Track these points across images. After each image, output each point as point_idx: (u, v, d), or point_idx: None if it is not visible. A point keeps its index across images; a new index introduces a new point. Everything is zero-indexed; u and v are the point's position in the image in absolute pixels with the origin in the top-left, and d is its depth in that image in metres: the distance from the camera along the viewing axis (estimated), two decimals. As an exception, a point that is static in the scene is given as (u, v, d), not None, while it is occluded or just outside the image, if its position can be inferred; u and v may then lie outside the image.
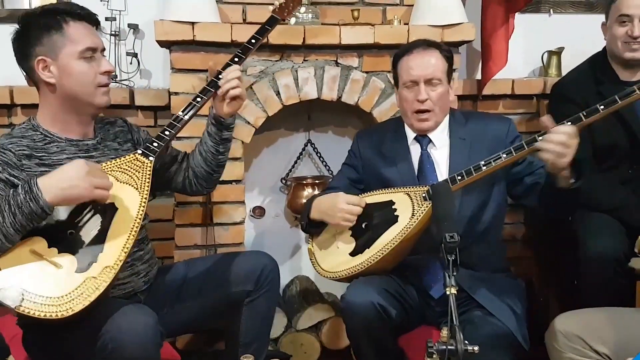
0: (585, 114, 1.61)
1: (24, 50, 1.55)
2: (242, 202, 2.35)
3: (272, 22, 1.81)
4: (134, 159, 1.56)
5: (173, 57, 2.19)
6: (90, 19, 1.58)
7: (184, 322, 1.76)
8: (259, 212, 2.58)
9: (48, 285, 1.34)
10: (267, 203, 2.63)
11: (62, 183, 1.36)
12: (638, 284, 1.78)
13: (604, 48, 2.16)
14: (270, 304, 1.80)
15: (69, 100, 1.56)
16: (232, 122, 1.72)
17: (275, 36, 2.18)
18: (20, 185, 1.38)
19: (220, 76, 1.66)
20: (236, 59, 1.69)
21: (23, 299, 1.31)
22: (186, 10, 2.14)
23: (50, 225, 1.41)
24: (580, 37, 2.55)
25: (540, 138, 1.58)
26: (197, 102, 1.64)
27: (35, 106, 2.23)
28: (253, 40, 1.74)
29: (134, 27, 2.37)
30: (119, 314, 1.38)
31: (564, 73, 2.55)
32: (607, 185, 2.00)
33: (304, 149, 2.60)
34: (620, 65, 2.09)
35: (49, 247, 1.40)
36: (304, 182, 2.49)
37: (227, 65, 1.68)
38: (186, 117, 1.63)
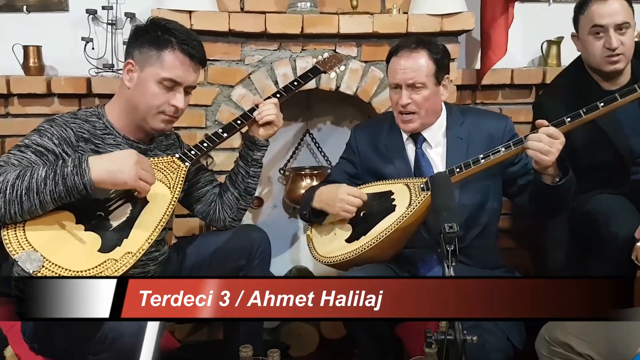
0: (584, 110, 1.61)
1: (129, 45, 1.63)
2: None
3: (314, 72, 1.96)
4: (170, 161, 1.64)
5: (170, 47, 2.17)
6: (193, 57, 1.60)
7: None
8: (257, 202, 2.58)
9: (69, 257, 1.37)
10: (265, 194, 2.62)
11: (111, 165, 1.42)
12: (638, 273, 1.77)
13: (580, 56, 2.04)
14: (264, 274, 1.82)
15: (132, 108, 1.61)
16: (265, 144, 1.81)
17: (273, 25, 2.17)
18: (70, 158, 1.43)
19: (255, 109, 1.79)
20: (278, 95, 1.83)
21: (42, 266, 1.33)
22: (183, -1, 2.13)
23: (82, 203, 1.44)
24: (580, 27, 2.53)
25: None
26: (237, 124, 1.76)
27: (30, 96, 2.28)
28: (295, 83, 1.89)
29: (130, 16, 2.36)
30: None
31: (563, 63, 2.54)
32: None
33: (302, 140, 2.59)
34: (600, 77, 1.97)
35: (77, 223, 1.44)
36: (302, 172, 2.49)
37: (269, 98, 1.82)
38: (224, 134, 1.74)
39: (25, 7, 2.36)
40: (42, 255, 1.34)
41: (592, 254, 1.88)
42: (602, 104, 1.62)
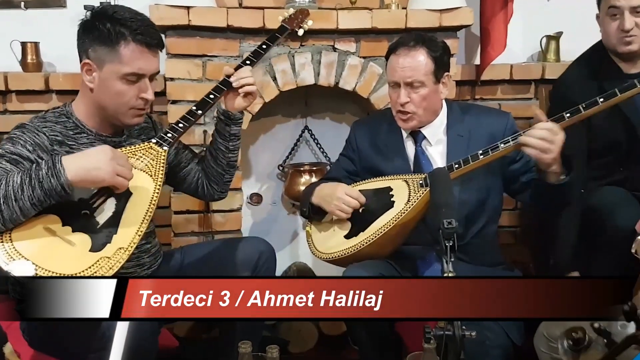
0: (584, 106, 1.60)
1: (80, 44, 1.55)
2: (239, 189, 2.34)
3: (282, 31, 1.89)
4: (148, 147, 1.58)
5: (168, 43, 2.16)
6: (150, 46, 1.54)
7: None
8: (256, 199, 2.58)
9: (61, 261, 1.34)
10: (264, 190, 2.62)
11: (86, 163, 1.38)
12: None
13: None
14: None
15: (101, 109, 1.57)
16: (241, 117, 1.75)
17: (272, 21, 2.16)
18: (44, 161, 1.39)
19: (232, 76, 1.71)
20: (248, 62, 1.76)
21: (35, 274, 1.30)
22: (181, -5, 2.12)
23: (65, 204, 1.41)
24: (579, 22, 2.52)
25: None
26: (210, 98, 1.68)
27: (28, 92, 2.27)
28: (264, 46, 1.82)
29: (128, 12, 2.34)
30: None
31: (562, 58, 2.54)
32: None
33: (301, 136, 2.59)
34: (619, 58, 2.01)
35: (63, 225, 1.40)
36: (301, 169, 2.49)
37: (239, 66, 1.74)
38: (199, 111, 1.66)
39: (23, 3, 2.34)
40: (33, 264, 1.31)
41: (595, 247, 1.88)
42: (601, 100, 1.61)
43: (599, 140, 1.97)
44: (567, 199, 1.71)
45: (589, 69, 2.06)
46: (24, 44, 2.29)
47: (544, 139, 1.56)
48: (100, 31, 1.51)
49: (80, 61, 1.56)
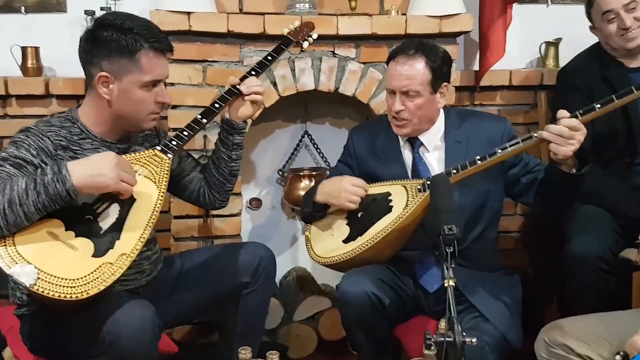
0: (581, 112, 1.61)
1: (90, 56, 1.54)
2: (239, 194, 2.34)
3: (287, 43, 1.89)
4: (152, 154, 1.59)
5: (169, 48, 2.17)
6: (165, 49, 1.57)
7: (181, 313, 1.78)
8: (255, 203, 2.58)
9: (64, 266, 1.34)
10: (264, 194, 2.62)
11: (91, 170, 1.39)
12: (635, 275, 1.78)
13: None
14: (266, 295, 1.84)
15: (118, 118, 1.58)
16: (244, 127, 1.77)
17: (272, 26, 2.17)
18: (49, 166, 1.39)
19: (238, 86, 1.73)
20: (253, 73, 1.78)
21: (38, 277, 1.30)
22: (182, 0, 2.12)
23: (69, 209, 1.41)
24: (578, 28, 2.52)
25: (535, 135, 1.63)
26: (215, 107, 1.71)
27: (29, 97, 2.28)
28: (270, 57, 1.83)
29: (129, 17, 2.35)
30: (117, 307, 1.38)
31: (561, 64, 2.55)
32: (602, 178, 1.98)
33: (300, 141, 2.59)
34: (621, 55, 2.07)
35: (66, 230, 1.41)
36: (301, 173, 2.49)
37: (245, 76, 1.76)
38: (204, 120, 1.69)
39: (23, 8, 2.35)
40: (36, 267, 1.31)
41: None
42: (598, 105, 1.61)
43: (601, 136, 2.00)
44: (574, 192, 1.69)
45: (593, 56, 2.13)
46: (24, 49, 2.29)
47: (561, 134, 1.56)
48: (116, 43, 1.51)
49: (89, 74, 1.55)
